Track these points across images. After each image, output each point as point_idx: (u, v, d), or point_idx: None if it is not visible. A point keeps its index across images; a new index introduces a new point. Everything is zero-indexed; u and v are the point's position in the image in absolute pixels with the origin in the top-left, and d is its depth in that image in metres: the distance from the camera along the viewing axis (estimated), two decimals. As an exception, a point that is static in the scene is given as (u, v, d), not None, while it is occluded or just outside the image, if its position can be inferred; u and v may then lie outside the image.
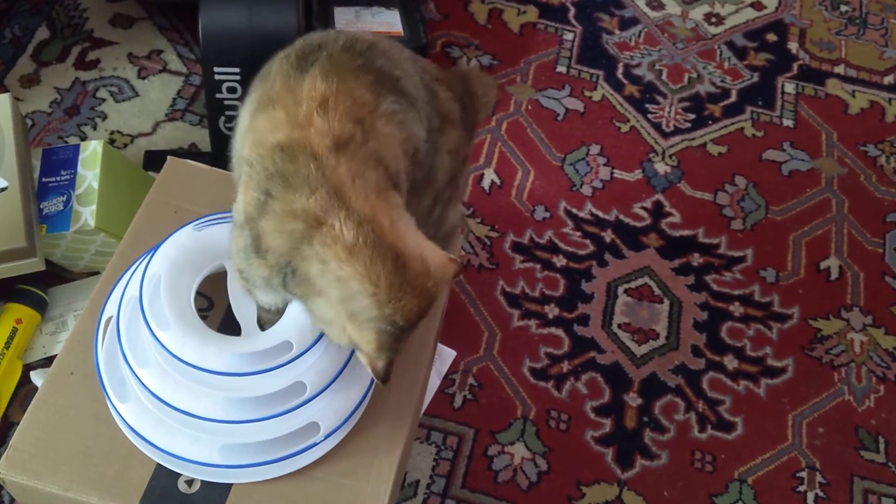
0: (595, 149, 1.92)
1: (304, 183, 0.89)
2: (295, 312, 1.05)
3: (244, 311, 1.08)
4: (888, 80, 2.10)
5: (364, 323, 0.91)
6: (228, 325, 1.12)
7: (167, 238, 1.10)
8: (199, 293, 1.11)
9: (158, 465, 1.07)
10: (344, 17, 1.79)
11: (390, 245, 0.89)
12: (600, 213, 1.82)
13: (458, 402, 1.58)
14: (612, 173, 1.89)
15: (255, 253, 0.93)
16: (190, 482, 1.06)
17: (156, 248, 1.09)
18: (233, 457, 1.04)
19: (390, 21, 1.84)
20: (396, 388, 1.15)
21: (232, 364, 1.00)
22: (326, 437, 1.05)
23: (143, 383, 1.02)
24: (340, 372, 1.05)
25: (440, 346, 1.60)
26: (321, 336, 1.03)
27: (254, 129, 0.95)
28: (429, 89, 1.10)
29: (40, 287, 1.56)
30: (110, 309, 1.12)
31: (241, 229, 0.95)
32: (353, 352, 1.06)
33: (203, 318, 1.06)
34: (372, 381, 1.11)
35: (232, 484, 1.06)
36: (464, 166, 1.22)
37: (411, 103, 1.02)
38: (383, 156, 0.95)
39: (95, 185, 1.53)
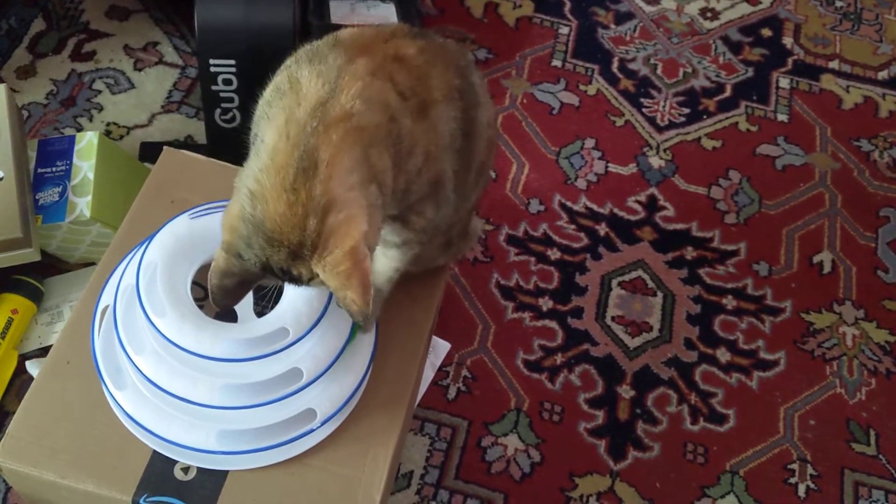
0: (590, 142, 1.92)
1: (320, 66, 0.93)
2: (291, 299, 1.05)
3: (241, 299, 1.08)
4: (882, 75, 2.11)
5: (240, 189, 0.90)
6: (224, 316, 1.12)
7: (163, 227, 1.10)
8: (195, 283, 1.12)
9: (155, 452, 1.07)
10: (340, 11, 1.79)
11: (313, 159, 0.88)
12: (595, 207, 1.83)
13: (451, 393, 1.58)
14: (606, 167, 1.89)
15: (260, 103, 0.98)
16: (186, 469, 1.07)
17: (152, 237, 1.10)
18: (229, 443, 1.05)
19: (385, 15, 1.84)
20: (392, 379, 1.16)
21: (229, 350, 1.00)
22: (323, 423, 1.06)
23: (139, 370, 1.03)
24: (336, 359, 1.05)
25: (434, 339, 1.61)
26: (317, 323, 1.03)
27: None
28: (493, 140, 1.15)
29: (36, 277, 1.56)
30: (106, 298, 1.12)
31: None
32: (348, 340, 1.07)
33: (199, 307, 1.07)
34: (367, 368, 1.11)
35: (228, 472, 1.07)
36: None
37: (470, 125, 1.05)
38: (394, 134, 0.95)
39: (91, 175, 1.53)
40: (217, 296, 0.94)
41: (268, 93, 0.96)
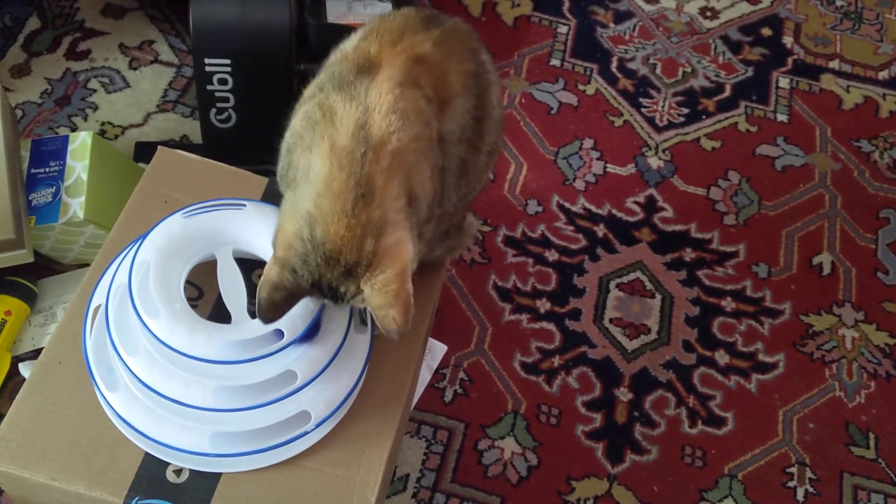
0: (588, 143, 1.91)
1: (349, 90, 0.95)
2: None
3: (234, 299, 1.07)
4: (882, 75, 2.10)
5: (296, 212, 0.93)
6: (218, 315, 1.12)
7: (156, 226, 1.09)
8: (188, 282, 1.11)
9: (147, 454, 1.06)
10: (336, 9, 1.78)
11: (370, 186, 0.91)
12: (593, 208, 1.82)
13: (448, 396, 1.57)
14: (605, 167, 1.88)
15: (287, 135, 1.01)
16: (179, 472, 1.06)
17: (144, 236, 1.09)
18: (223, 445, 1.04)
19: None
20: (387, 380, 1.15)
21: (222, 352, 0.99)
22: (317, 426, 1.05)
23: (132, 372, 1.02)
24: (331, 361, 1.04)
25: (431, 341, 1.60)
26: (312, 324, 1.02)
27: (354, 49, 1.01)
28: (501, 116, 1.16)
29: (29, 279, 1.55)
30: (98, 297, 1.11)
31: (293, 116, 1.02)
32: (343, 341, 1.06)
33: (193, 307, 1.06)
34: (363, 370, 1.10)
35: (221, 473, 1.06)
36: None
37: (482, 109, 1.06)
38: (426, 146, 0.97)
39: (84, 176, 1.52)
40: (264, 309, 0.96)
41: (296, 123, 0.98)
